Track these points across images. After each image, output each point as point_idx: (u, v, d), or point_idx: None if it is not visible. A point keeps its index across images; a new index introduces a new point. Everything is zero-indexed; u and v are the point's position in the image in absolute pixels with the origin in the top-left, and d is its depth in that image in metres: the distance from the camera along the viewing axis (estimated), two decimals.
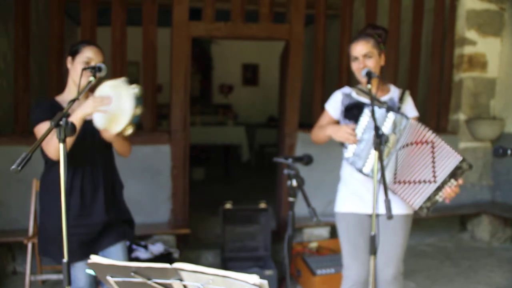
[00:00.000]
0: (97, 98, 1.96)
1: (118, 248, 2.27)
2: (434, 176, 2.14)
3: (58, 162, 1.98)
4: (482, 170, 4.88)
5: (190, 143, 4.21)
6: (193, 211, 4.29)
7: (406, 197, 2.19)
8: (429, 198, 2.16)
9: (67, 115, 1.57)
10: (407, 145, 2.18)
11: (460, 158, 2.10)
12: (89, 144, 2.13)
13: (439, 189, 2.14)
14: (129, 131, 2.05)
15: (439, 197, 2.16)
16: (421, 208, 2.17)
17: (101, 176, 2.18)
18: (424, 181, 2.16)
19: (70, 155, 1.99)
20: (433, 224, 4.78)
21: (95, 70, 1.99)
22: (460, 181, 2.14)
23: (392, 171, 2.20)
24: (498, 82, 4.82)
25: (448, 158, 2.12)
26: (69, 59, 2.15)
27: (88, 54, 2.11)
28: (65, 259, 1.57)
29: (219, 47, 8.96)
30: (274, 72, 6.62)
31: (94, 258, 1.33)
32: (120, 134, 2.06)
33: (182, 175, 4.01)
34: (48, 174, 2.17)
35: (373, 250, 2.05)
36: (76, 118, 1.92)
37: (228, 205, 3.79)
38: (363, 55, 2.27)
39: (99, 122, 2.04)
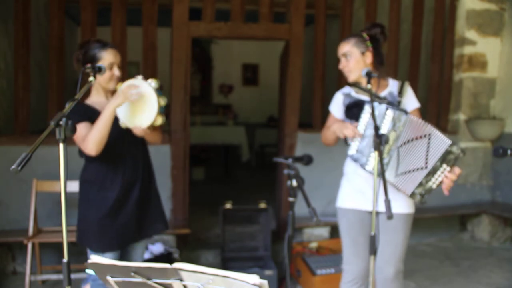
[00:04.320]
0: (124, 88, 2.08)
1: (141, 245, 2.41)
2: (426, 163, 2.14)
3: (97, 158, 2.14)
4: (482, 170, 4.87)
5: (190, 143, 4.21)
6: (193, 211, 4.28)
7: (401, 185, 2.18)
8: (420, 184, 2.15)
9: (67, 116, 1.58)
10: (408, 141, 2.17)
11: (449, 142, 2.10)
12: (129, 140, 2.24)
13: (430, 174, 2.13)
14: (159, 121, 2.17)
15: (432, 184, 2.15)
16: (413, 194, 2.17)
17: (141, 171, 2.30)
18: (417, 169, 2.16)
19: (112, 151, 2.14)
20: (433, 224, 4.78)
21: (94, 70, 2.01)
22: (457, 170, 2.12)
23: (394, 168, 2.19)
24: (498, 82, 4.82)
25: (439, 144, 2.12)
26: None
27: (111, 60, 2.18)
28: (65, 259, 1.57)
29: (219, 47, 8.95)
30: (274, 72, 6.61)
31: (94, 258, 1.33)
32: (151, 127, 2.17)
33: (182, 175, 4.01)
34: (88, 169, 2.26)
35: (372, 250, 2.05)
36: (109, 110, 2.06)
37: (228, 205, 3.79)
38: (342, 54, 2.32)
39: (127, 122, 2.17)
